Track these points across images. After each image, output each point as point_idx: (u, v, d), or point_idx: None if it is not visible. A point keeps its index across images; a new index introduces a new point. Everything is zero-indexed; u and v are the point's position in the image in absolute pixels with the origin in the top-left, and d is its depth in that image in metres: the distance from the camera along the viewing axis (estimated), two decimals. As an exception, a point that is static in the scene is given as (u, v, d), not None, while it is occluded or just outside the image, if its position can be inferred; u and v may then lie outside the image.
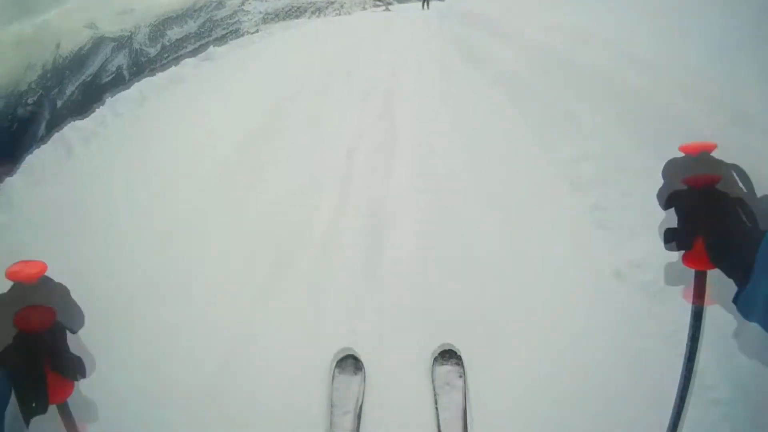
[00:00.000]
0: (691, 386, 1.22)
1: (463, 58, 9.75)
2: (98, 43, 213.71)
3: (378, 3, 30.86)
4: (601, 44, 5.75)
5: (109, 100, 9.23)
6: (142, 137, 6.85)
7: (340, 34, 16.22)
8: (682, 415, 1.23)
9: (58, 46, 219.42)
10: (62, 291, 1.02)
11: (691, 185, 1.06)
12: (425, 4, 27.66)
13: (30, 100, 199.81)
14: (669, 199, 1.11)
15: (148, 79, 10.97)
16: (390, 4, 31.30)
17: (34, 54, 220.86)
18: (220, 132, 6.38)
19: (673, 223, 1.09)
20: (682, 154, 1.14)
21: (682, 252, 1.08)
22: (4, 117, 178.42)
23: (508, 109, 6.23)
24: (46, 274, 0.99)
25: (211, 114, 7.42)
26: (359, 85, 8.62)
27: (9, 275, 0.96)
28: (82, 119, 7.79)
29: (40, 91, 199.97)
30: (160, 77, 10.97)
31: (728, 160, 1.09)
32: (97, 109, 8.60)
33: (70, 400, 0.97)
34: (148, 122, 7.70)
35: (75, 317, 1.01)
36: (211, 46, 13.14)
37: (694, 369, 1.21)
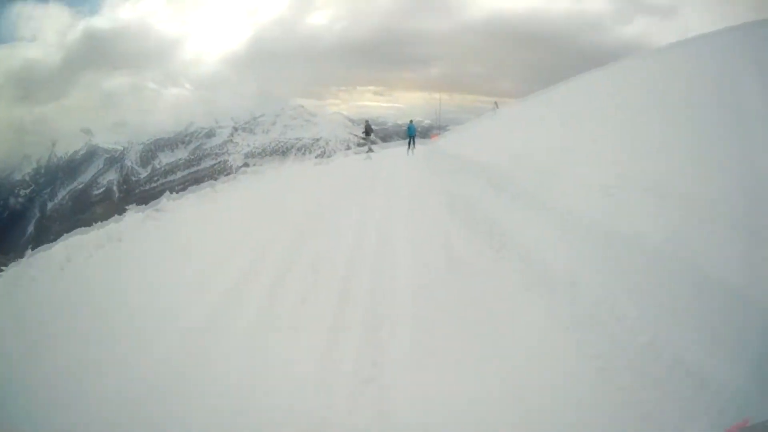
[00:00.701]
0: None
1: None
2: (92, 151, 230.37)
3: (362, 141, 31.38)
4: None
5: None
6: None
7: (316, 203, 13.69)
8: None
9: (54, 144, 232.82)
10: None
11: None
12: (410, 149, 27.74)
13: (22, 192, 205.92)
14: None
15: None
16: (371, 151, 29.44)
17: (31, 146, 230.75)
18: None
19: None
20: None
21: None
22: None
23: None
24: None
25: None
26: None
27: None
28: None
29: (33, 185, 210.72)
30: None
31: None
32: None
33: None
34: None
35: None
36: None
37: None
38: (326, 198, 13.21)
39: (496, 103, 37.21)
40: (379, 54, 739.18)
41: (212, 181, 18.96)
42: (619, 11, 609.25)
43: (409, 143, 28.59)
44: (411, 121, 32.13)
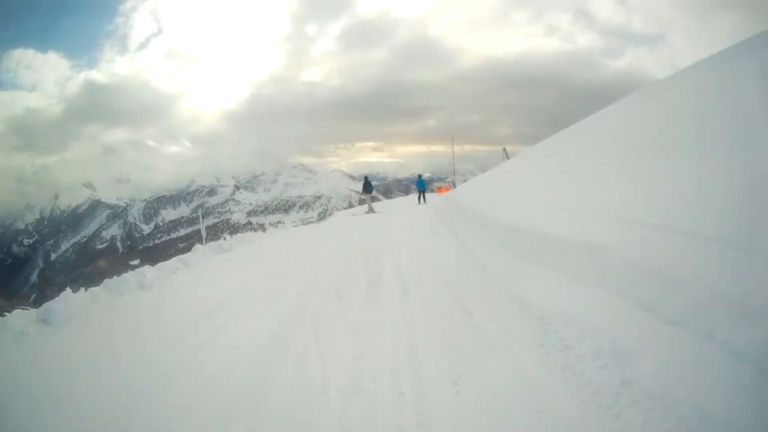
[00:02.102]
0: None
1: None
2: (94, 206, 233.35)
3: (362, 198, 29.00)
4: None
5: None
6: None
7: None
8: None
9: (56, 197, 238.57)
10: None
11: None
12: (421, 202, 28.27)
13: (26, 241, 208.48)
14: None
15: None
16: (372, 210, 26.87)
17: (33, 196, 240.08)
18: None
19: None
20: None
21: None
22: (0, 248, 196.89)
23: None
24: None
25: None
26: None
27: None
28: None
29: (36, 235, 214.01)
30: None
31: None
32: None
33: None
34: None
35: None
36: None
37: None
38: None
39: (505, 150, 34.46)
40: (375, 108, 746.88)
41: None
42: (608, 46, 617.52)
43: (420, 196, 29.24)
44: (420, 176, 32.20)
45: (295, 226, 36.16)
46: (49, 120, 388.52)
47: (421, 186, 30.64)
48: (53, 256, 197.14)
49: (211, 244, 15.94)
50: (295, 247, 15.05)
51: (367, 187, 26.72)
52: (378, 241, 13.40)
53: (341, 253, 12.03)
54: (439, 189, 57.73)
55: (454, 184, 38.82)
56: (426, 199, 28.75)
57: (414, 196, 35.32)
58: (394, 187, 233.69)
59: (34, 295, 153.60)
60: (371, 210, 26.23)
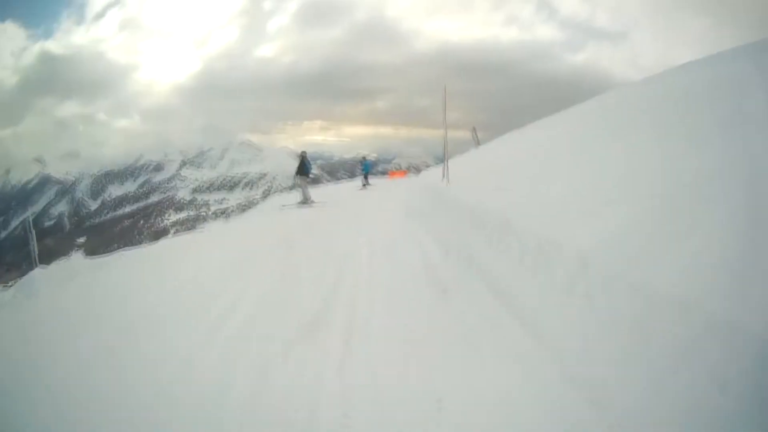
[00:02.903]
0: None
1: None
2: (44, 181, 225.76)
3: (296, 182, 20.37)
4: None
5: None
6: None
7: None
8: None
9: (8, 172, 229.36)
10: None
11: None
12: (365, 185, 27.12)
13: None
14: None
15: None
16: (307, 201, 18.87)
17: None
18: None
19: None
20: None
21: None
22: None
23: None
24: None
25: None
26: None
27: None
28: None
29: None
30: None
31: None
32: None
33: None
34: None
35: None
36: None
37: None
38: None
39: (474, 131, 27.23)
40: (326, 87, 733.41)
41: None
42: (570, 39, 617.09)
43: (364, 179, 27.90)
44: (364, 158, 31.97)
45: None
46: (3, 91, 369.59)
47: (367, 169, 29.46)
48: (3, 234, 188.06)
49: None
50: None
51: (304, 167, 19.00)
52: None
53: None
54: (392, 173, 50.96)
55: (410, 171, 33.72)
56: (369, 182, 27.89)
57: (375, 180, 32.41)
58: (339, 168, 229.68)
59: None
60: (306, 200, 18.32)
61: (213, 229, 20.68)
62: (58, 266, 17.15)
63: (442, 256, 7.21)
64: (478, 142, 24.85)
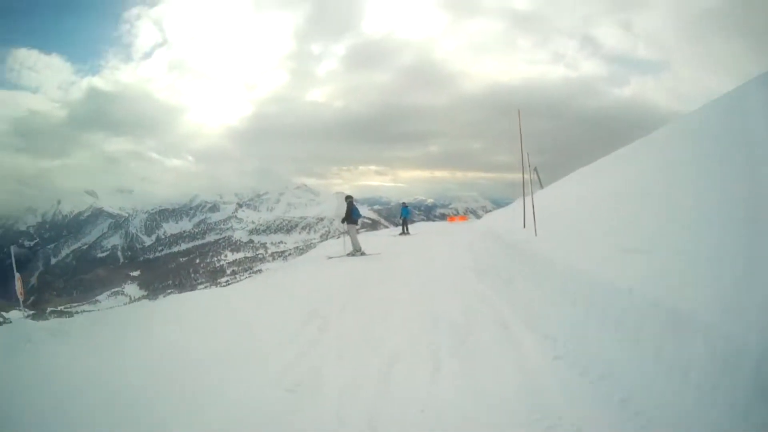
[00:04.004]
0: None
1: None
2: (97, 214, 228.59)
3: (341, 229, 17.66)
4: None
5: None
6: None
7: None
8: None
9: (59, 202, 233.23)
10: None
11: None
12: (403, 232, 25.45)
13: (26, 243, 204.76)
14: None
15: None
16: (357, 251, 16.12)
17: (34, 199, 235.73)
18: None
19: None
20: None
21: None
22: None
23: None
24: None
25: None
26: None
27: None
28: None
29: (37, 238, 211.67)
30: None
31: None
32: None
33: None
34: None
35: None
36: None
37: None
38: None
39: (537, 172, 24.71)
40: (378, 131, 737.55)
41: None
42: (613, 74, 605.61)
43: (403, 227, 26.06)
44: (404, 204, 28.59)
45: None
46: (51, 124, 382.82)
47: (405, 214, 27.07)
48: (53, 261, 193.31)
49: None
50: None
51: (352, 213, 16.39)
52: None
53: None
54: (452, 218, 49.09)
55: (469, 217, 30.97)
56: (408, 230, 25.79)
57: (430, 225, 31.48)
58: (396, 213, 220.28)
59: (32, 298, 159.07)
60: (356, 250, 15.92)
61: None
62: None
63: (552, 370, 4.76)
64: (541, 184, 22.33)
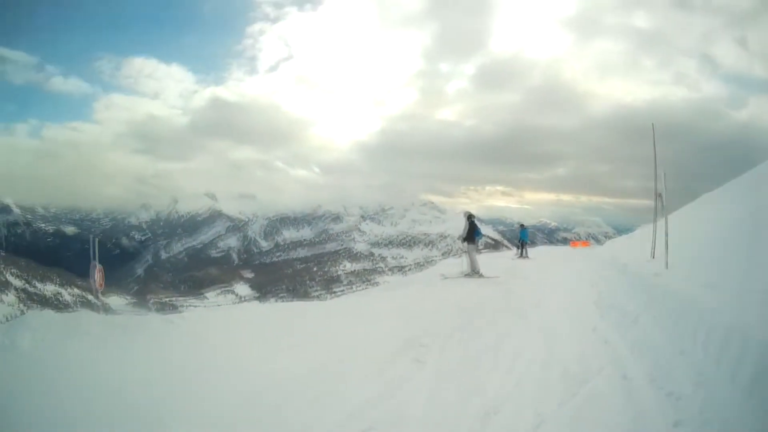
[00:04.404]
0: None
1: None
2: (215, 216, 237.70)
3: (462, 248, 16.57)
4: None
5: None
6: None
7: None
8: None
9: (175, 201, 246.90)
10: None
11: None
12: (522, 255, 24.86)
13: (137, 236, 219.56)
14: None
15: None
16: (474, 272, 15.66)
17: (150, 197, 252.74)
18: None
19: None
20: None
21: None
22: (108, 238, 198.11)
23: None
24: None
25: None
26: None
27: None
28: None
29: (150, 233, 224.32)
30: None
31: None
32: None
33: None
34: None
35: None
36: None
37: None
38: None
39: (661, 197, 23.22)
40: (506, 152, 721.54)
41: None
42: (731, 95, 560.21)
43: (521, 249, 25.51)
44: (522, 226, 27.77)
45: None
46: (172, 128, 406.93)
47: (524, 237, 26.36)
48: (164, 255, 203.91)
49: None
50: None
51: (474, 233, 16.02)
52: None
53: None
54: (574, 243, 47.21)
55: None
56: (527, 253, 25.34)
57: (551, 249, 31.38)
58: (517, 234, 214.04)
59: (136, 287, 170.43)
60: (474, 271, 15.56)
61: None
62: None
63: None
64: (663, 207, 20.86)
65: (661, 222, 9.65)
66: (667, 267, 8.10)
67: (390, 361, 6.68)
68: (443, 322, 8.70)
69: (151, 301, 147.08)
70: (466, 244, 15.89)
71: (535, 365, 6.16)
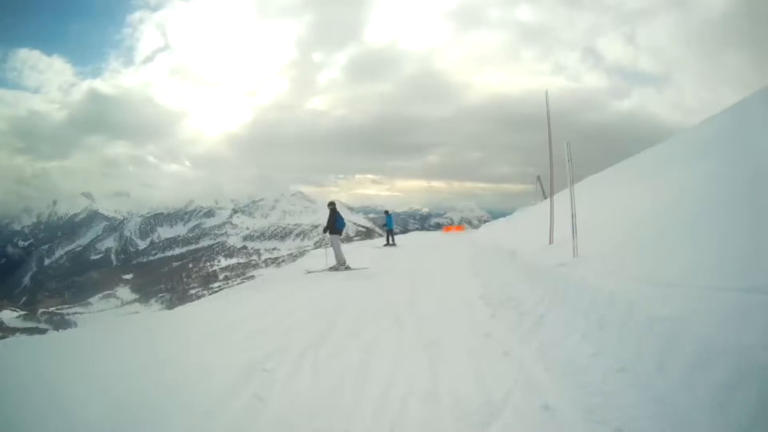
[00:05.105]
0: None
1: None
2: (92, 216, 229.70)
3: (323, 237, 15.87)
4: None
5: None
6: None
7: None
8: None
9: (55, 203, 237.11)
10: None
11: None
12: (389, 243, 23.44)
13: (21, 243, 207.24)
14: None
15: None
16: (341, 265, 13.88)
17: (31, 199, 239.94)
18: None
19: None
20: None
21: None
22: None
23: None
24: None
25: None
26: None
27: None
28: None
29: (32, 239, 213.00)
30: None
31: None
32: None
33: None
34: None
35: None
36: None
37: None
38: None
39: (539, 180, 23.18)
40: (377, 141, 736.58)
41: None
42: (615, 86, 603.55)
43: (388, 237, 24.12)
44: (387, 212, 25.93)
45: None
46: (51, 125, 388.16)
47: (390, 224, 24.71)
48: (47, 261, 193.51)
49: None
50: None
51: (336, 223, 14.21)
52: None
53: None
54: (448, 228, 46.82)
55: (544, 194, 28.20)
56: (394, 241, 23.71)
57: (423, 236, 30.21)
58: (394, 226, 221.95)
59: (24, 298, 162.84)
60: (339, 264, 13.94)
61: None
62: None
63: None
64: (545, 194, 21.35)
65: (539, 205, 8.20)
66: (575, 255, 6.33)
67: (222, 400, 4.55)
68: (297, 332, 6.62)
69: (40, 312, 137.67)
70: (328, 235, 14.10)
71: (414, 399, 4.23)
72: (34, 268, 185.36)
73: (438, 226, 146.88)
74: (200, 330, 7.79)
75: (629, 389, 3.48)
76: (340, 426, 3.83)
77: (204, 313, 10.40)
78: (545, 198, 18.16)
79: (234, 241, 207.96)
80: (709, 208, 6.14)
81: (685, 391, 3.07)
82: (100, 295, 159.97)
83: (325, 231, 14.31)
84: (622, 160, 15.49)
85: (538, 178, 24.82)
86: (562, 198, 8.97)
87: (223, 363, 5.52)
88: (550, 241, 8.10)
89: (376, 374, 4.83)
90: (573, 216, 6.73)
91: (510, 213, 26.72)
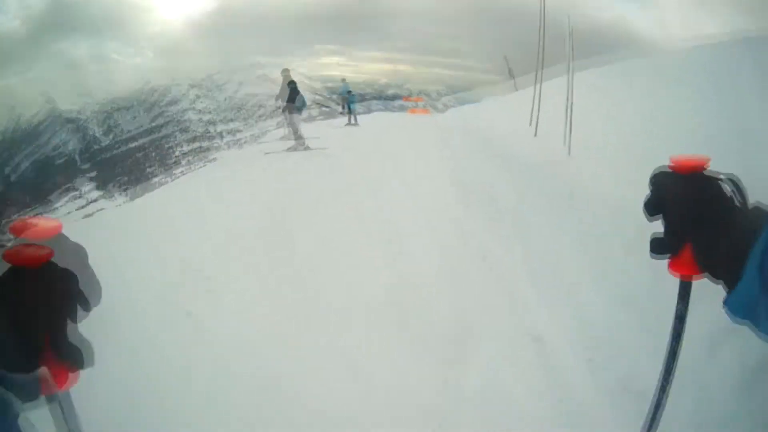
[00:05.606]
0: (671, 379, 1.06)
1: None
2: (55, 121, 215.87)
3: (280, 106, 13.18)
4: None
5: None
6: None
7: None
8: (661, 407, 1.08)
9: (18, 117, 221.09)
10: (80, 253, 0.80)
11: (677, 171, 0.93)
12: (350, 122, 19.20)
13: None
14: (656, 205, 0.93)
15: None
16: (301, 145, 12.56)
17: None
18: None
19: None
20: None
21: (668, 255, 0.96)
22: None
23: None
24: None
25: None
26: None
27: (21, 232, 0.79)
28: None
29: None
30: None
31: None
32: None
33: None
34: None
35: (93, 288, 0.77)
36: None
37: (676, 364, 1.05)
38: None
39: (507, 60, 21.72)
40: (341, 16, 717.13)
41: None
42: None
43: (350, 115, 19.82)
44: (344, 80, 21.36)
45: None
46: (13, 41, 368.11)
47: (353, 101, 20.43)
48: (13, 177, 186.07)
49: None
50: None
51: (292, 93, 12.95)
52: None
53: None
54: (413, 110, 45.33)
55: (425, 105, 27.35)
56: (356, 120, 19.57)
57: (388, 117, 24.54)
58: (358, 100, 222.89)
59: None
60: (298, 143, 12.88)
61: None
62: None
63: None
64: (513, 77, 19.27)
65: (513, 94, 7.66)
66: (569, 153, 5.44)
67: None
68: (245, 223, 5.83)
69: (4, 222, 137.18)
70: (288, 111, 12.92)
71: (389, 323, 3.64)
72: (1, 189, 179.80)
73: (402, 108, 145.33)
74: (153, 219, 7.13)
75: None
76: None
77: (156, 204, 9.79)
78: (513, 78, 17.35)
79: (197, 126, 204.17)
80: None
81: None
82: (61, 191, 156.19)
83: (283, 110, 13.17)
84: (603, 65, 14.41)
85: (505, 58, 23.08)
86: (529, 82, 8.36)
87: (164, 260, 4.90)
88: (535, 134, 7.18)
89: (332, 285, 4.22)
90: (569, 107, 5.75)
91: (478, 102, 25.92)
